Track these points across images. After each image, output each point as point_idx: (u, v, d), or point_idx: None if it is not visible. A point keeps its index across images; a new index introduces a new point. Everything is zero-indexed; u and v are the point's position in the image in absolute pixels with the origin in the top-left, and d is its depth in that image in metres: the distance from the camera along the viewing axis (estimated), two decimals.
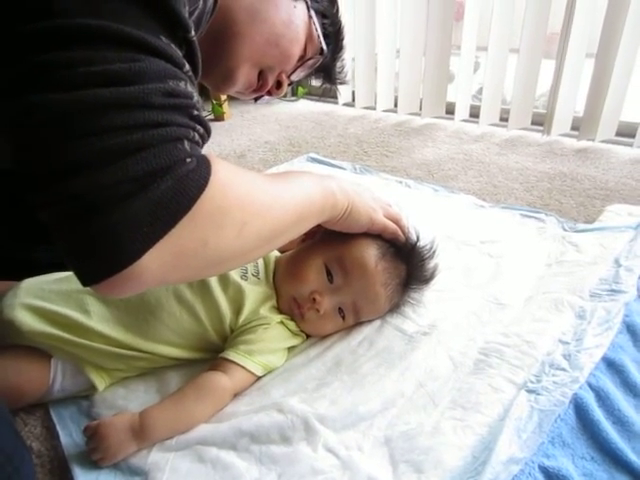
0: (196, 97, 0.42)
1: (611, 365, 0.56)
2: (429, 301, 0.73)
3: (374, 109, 1.87)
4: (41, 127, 0.34)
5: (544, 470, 0.45)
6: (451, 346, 0.65)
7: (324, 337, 0.68)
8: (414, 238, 0.70)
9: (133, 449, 0.52)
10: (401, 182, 1.19)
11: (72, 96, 0.34)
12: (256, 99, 0.70)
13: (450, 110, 1.70)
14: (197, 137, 0.40)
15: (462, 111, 1.66)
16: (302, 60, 0.64)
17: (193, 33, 0.43)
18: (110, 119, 0.35)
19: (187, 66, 0.42)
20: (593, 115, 1.39)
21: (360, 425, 0.54)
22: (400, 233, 0.67)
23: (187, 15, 0.42)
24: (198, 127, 0.41)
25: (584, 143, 1.42)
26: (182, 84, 0.40)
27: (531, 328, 0.64)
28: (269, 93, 0.66)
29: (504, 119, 1.58)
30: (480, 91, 1.71)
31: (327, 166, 1.32)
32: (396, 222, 0.68)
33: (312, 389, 0.59)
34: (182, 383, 0.60)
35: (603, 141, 1.41)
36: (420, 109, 1.76)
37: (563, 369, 0.56)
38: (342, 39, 0.70)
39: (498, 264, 0.82)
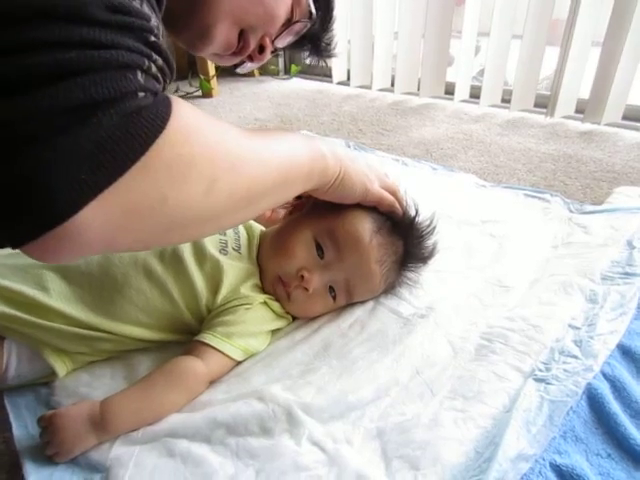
0: (154, 21, 0.34)
1: (627, 353, 0.51)
2: (427, 282, 0.68)
3: (370, 88, 1.80)
4: None
5: (556, 468, 0.39)
6: (450, 330, 0.59)
7: (312, 319, 0.62)
8: (412, 212, 0.64)
9: (92, 443, 0.46)
10: (398, 160, 1.13)
11: None
12: (236, 66, 0.62)
13: (449, 90, 1.63)
14: (154, 69, 0.33)
15: (462, 91, 1.59)
16: (288, 24, 0.57)
17: None
18: (34, 32, 0.28)
19: None
20: (599, 98, 1.33)
21: (350, 415, 0.48)
22: (397, 206, 0.61)
23: None
24: (155, 57, 0.33)
25: (589, 126, 1.36)
26: (136, 2, 0.33)
27: (538, 312, 0.59)
28: (250, 58, 0.58)
29: (506, 100, 1.52)
30: (481, 73, 1.64)
31: None
32: (393, 194, 0.62)
33: (297, 375, 0.53)
34: (153, 368, 0.54)
35: (609, 124, 1.35)
36: (418, 89, 1.69)
37: (575, 356, 0.50)
38: (332, 7, 0.63)
39: (501, 245, 0.77)
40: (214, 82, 1.73)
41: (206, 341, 0.53)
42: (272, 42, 0.57)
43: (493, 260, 0.73)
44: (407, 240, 0.62)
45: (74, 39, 0.28)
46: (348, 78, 1.86)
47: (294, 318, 0.62)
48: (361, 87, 1.82)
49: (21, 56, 0.27)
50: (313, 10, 0.57)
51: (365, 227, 0.59)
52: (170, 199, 0.33)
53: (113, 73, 0.30)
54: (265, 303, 0.58)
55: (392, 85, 1.75)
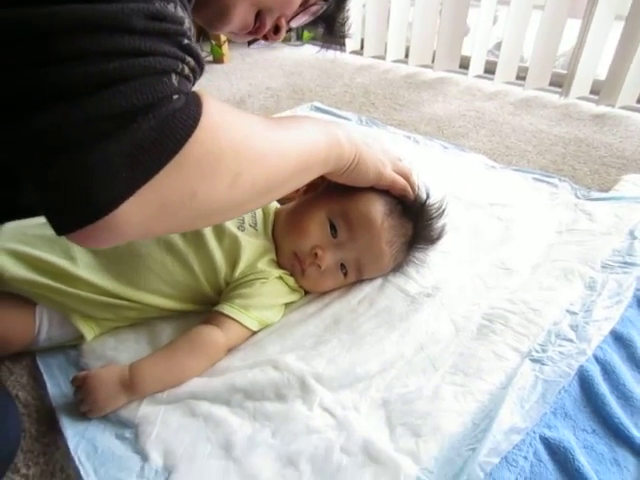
0: (187, 23, 0.36)
1: (619, 339, 0.55)
2: (433, 262, 0.71)
3: (383, 59, 1.77)
4: (2, 47, 0.29)
5: (545, 441, 0.44)
6: (454, 309, 0.62)
7: (323, 294, 0.66)
8: (423, 196, 0.66)
9: (122, 402, 0.50)
10: (409, 137, 1.14)
11: (40, 10, 0.29)
12: (250, 42, 0.63)
13: (464, 64, 1.61)
14: (187, 70, 0.35)
15: (477, 66, 1.57)
16: (304, 5, 0.57)
17: None
18: (81, 42, 0.30)
19: None
20: (616, 79, 1.32)
21: (357, 385, 0.52)
22: (409, 190, 0.64)
23: None
24: (188, 59, 0.35)
25: (602, 108, 1.36)
26: (171, 6, 0.34)
27: (538, 296, 0.62)
28: (265, 37, 0.59)
29: (521, 77, 1.50)
30: (497, 46, 1.62)
31: (332, 116, 1.26)
32: (405, 178, 0.64)
33: (309, 346, 0.57)
34: (174, 335, 0.58)
35: (623, 107, 1.34)
36: (432, 61, 1.66)
37: (570, 340, 0.54)
38: None
39: (507, 228, 0.79)
40: (225, 48, 1.71)
41: (225, 312, 0.56)
42: (287, 22, 0.58)
43: (498, 243, 0.76)
44: (417, 222, 0.65)
45: (117, 49, 0.31)
46: (362, 47, 1.83)
47: (306, 292, 0.66)
48: (375, 57, 1.80)
49: (69, 65, 0.30)
50: None
51: (377, 209, 0.61)
52: (199, 193, 0.36)
53: (151, 79, 0.32)
54: (280, 278, 0.61)
55: (406, 56, 1.73)
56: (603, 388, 0.48)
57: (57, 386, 0.53)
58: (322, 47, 0.65)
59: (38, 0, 0.29)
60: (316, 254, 0.60)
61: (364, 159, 0.57)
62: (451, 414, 0.47)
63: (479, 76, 1.59)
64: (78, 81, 0.30)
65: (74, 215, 0.32)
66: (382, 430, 0.47)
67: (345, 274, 0.63)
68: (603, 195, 0.88)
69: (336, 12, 0.61)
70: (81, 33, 0.30)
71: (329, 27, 0.63)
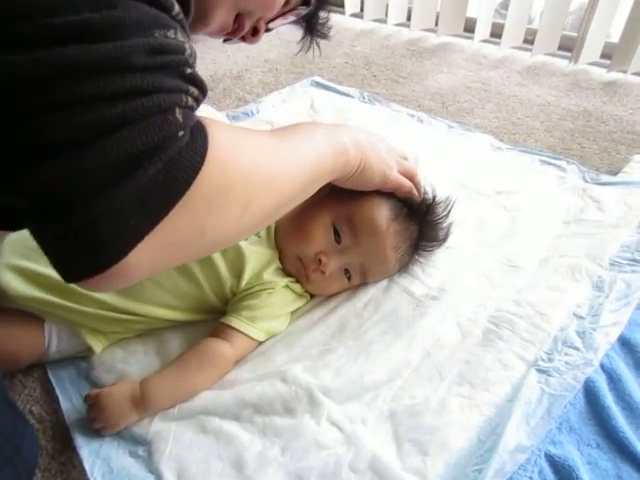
0: (188, 49, 0.34)
1: (626, 344, 0.55)
2: (439, 260, 0.70)
3: (385, 22, 1.68)
4: None
5: (550, 459, 0.45)
6: (460, 312, 0.62)
7: (329, 297, 0.65)
8: (429, 197, 0.64)
9: (135, 419, 0.51)
10: (413, 116, 1.10)
11: (27, 57, 0.27)
12: (225, 40, 0.61)
13: (469, 27, 1.53)
14: (191, 101, 0.33)
15: (483, 29, 1.49)
16: (286, 8, 0.55)
17: None
18: (80, 87, 0.28)
19: (177, 8, 0.34)
20: (630, 42, 1.25)
21: (365, 396, 0.53)
22: (415, 192, 0.62)
23: None
24: (192, 89, 0.34)
25: (613, 75, 1.30)
26: (171, 33, 0.32)
27: (545, 297, 0.62)
28: (242, 38, 0.56)
29: (528, 41, 1.43)
30: (504, 5, 1.53)
31: (333, 92, 1.21)
32: (411, 178, 0.63)
33: (316, 356, 0.58)
34: (182, 345, 0.59)
35: (635, 73, 1.28)
36: (436, 24, 1.58)
37: (576, 348, 0.54)
38: None
39: (513, 219, 0.78)
40: None
41: (232, 325, 0.56)
42: (266, 24, 0.56)
43: (505, 236, 0.75)
44: (422, 224, 0.63)
45: (118, 91, 0.29)
46: (361, 9, 1.74)
47: (312, 295, 0.66)
48: (375, 21, 1.71)
49: (68, 113, 0.28)
50: None
51: (382, 214, 0.60)
52: (209, 228, 0.35)
53: (155, 119, 0.30)
54: (287, 286, 0.61)
55: (408, 19, 1.64)
56: (609, 400, 0.49)
57: (69, 401, 0.54)
58: (301, 49, 0.63)
59: (22, 45, 0.27)
60: (320, 260, 0.59)
61: (370, 163, 0.55)
62: (457, 428, 0.48)
63: (485, 40, 1.52)
64: (79, 130, 0.28)
65: (82, 265, 0.31)
66: (390, 445, 0.48)
67: (349, 278, 0.63)
68: (612, 179, 0.85)
69: (317, 12, 0.59)
70: (78, 77, 0.28)
71: (310, 27, 0.61)
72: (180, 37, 0.34)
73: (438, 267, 0.69)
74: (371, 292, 0.66)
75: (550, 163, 0.91)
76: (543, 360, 0.54)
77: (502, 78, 1.30)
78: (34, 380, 0.57)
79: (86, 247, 0.30)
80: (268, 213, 0.41)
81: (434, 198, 0.64)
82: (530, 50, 1.40)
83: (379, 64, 1.39)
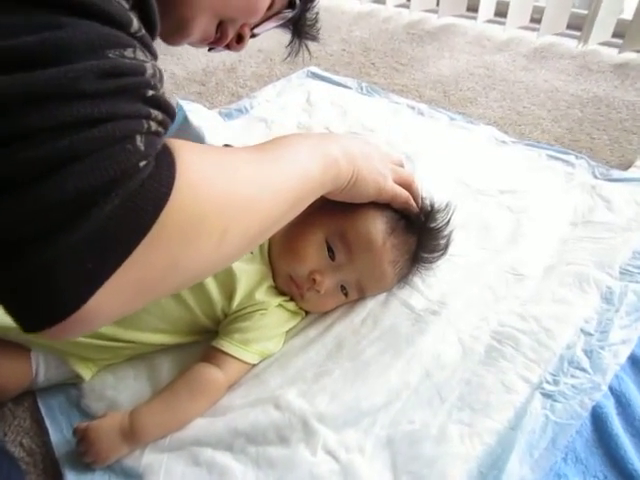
0: (151, 68, 0.31)
1: (636, 363, 0.52)
2: (440, 269, 0.67)
3: (383, 3, 1.62)
4: None
5: None
6: (461, 327, 0.60)
7: (325, 313, 0.63)
8: (428, 205, 0.61)
9: (125, 451, 0.49)
10: (413, 108, 1.05)
11: None
12: (210, 49, 0.57)
13: (473, 6, 1.46)
14: (154, 126, 0.30)
15: (487, 8, 1.42)
16: (270, 12, 0.51)
17: None
18: (21, 121, 0.25)
19: (136, 23, 0.31)
20: None
21: (362, 422, 0.51)
22: (412, 202, 0.59)
23: None
24: (155, 112, 0.30)
25: (626, 56, 1.23)
26: (129, 52, 0.29)
27: (551, 311, 0.59)
28: (227, 47, 0.54)
29: (535, 20, 1.36)
30: None
31: (330, 84, 1.16)
32: (408, 186, 0.59)
33: (311, 378, 0.55)
34: (173, 369, 0.57)
35: None
36: (437, 4, 1.51)
37: (583, 369, 0.51)
38: None
39: (518, 221, 0.74)
40: None
41: (224, 349, 0.54)
42: (251, 30, 0.53)
43: (509, 241, 0.71)
44: (421, 235, 0.60)
45: (66, 121, 0.26)
46: None
47: (307, 312, 0.63)
48: (374, 2, 1.64)
49: (10, 150, 0.25)
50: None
51: (378, 229, 0.57)
52: (181, 262, 0.32)
53: (111, 150, 0.27)
54: (280, 305, 0.59)
55: (408, 0, 1.57)
56: (617, 426, 0.46)
57: (60, 432, 0.53)
58: (289, 55, 0.59)
59: None
60: (314, 280, 0.57)
61: (363, 175, 0.52)
62: (457, 460, 0.46)
63: (489, 21, 1.45)
64: (22, 168, 0.25)
65: (40, 315, 0.28)
66: (387, 478, 0.47)
67: (346, 294, 0.60)
68: (623, 175, 0.81)
69: (304, 14, 0.55)
70: (19, 108, 0.25)
71: (297, 30, 0.57)
72: (140, 56, 0.30)
73: (439, 277, 0.66)
74: (369, 306, 0.63)
75: (557, 158, 0.87)
76: (548, 382, 0.51)
77: (507, 62, 1.24)
78: (24, 410, 0.56)
79: (39, 297, 0.27)
80: (252, 237, 0.38)
81: (433, 206, 0.61)
82: (537, 30, 1.33)
83: (378, 50, 1.34)
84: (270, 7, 0.51)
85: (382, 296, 0.64)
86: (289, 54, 0.60)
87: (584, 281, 0.62)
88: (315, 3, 0.57)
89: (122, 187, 0.27)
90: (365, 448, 0.49)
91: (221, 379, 0.53)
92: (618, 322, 0.55)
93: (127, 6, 0.30)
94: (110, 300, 0.29)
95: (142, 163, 0.28)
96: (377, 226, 0.57)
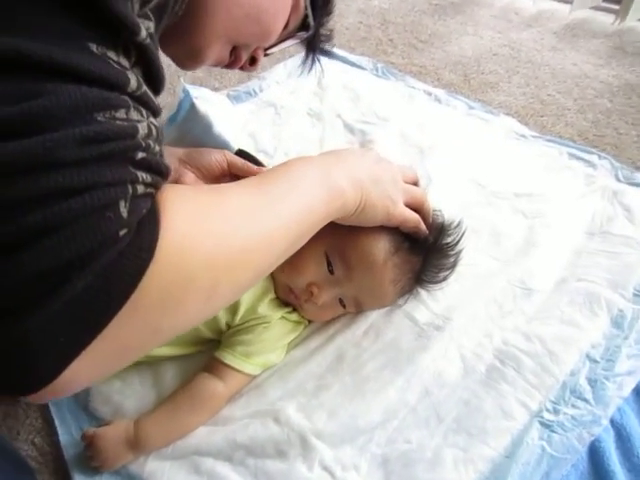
0: (145, 128, 0.30)
1: None
2: (447, 280, 0.66)
3: None
4: None
5: None
6: (464, 343, 0.59)
7: (327, 322, 0.63)
8: (437, 225, 0.59)
9: (130, 458, 0.51)
10: (430, 94, 1.00)
11: None
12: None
13: None
14: (142, 189, 0.29)
15: None
16: (284, 31, 0.49)
17: (144, 34, 0.29)
18: None
19: (134, 82, 0.29)
20: None
21: (358, 439, 0.52)
22: (421, 226, 0.56)
23: (133, 10, 0.28)
24: (144, 176, 0.29)
25: None
26: (121, 113, 0.28)
27: (557, 332, 0.58)
28: (241, 68, 0.53)
29: None
30: None
31: (344, 64, 1.11)
32: (419, 207, 0.57)
33: (311, 392, 0.56)
34: (178, 376, 0.58)
35: None
36: None
37: (585, 400, 0.51)
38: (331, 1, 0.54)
39: (532, 228, 0.72)
40: None
41: (226, 361, 0.55)
42: (265, 50, 0.53)
43: (520, 250, 0.69)
44: (427, 256, 0.59)
45: (41, 193, 0.25)
46: None
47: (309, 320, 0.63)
48: None
49: None
50: (311, 21, 0.49)
51: (379, 248, 0.55)
52: (165, 325, 0.32)
53: (87, 222, 0.26)
54: (283, 317, 0.59)
55: None
56: (614, 462, 0.46)
57: (69, 434, 0.55)
58: (302, 71, 0.57)
59: None
60: (312, 292, 0.56)
61: (371, 201, 0.50)
62: None
63: None
64: None
65: (14, 385, 0.28)
66: None
67: (344, 306, 0.60)
68: None
69: (318, 32, 0.53)
70: None
71: (311, 47, 0.55)
72: (134, 116, 0.29)
73: (445, 288, 0.65)
74: (372, 317, 0.63)
75: (579, 157, 0.82)
76: (548, 411, 0.51)
77: (534, 40, 1.17)
78: (36, 410, 0.58)
79: (12, 369, 0.27)
80: (245, 286, 0.38)
81: (443, 226, 0.59)
82: (570, 3, 1.24)
83: (397, 24, 1.26)
84: (285, 27, 0.49)
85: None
86: (302, 71, 0.58)
87: (595, 302, 0.60)
88: (329, 19, 0.54)
89: (97, 260, 0.26)
90: (360, 466, 0.51)
91: (222, 392, 0.54)
92: (626, 350, 0.54)
93: (128, 64, 0.29)
94: (87, 368, 0.29)
95: (122, 232, 0.27)
96: (379, 246, 0.55)
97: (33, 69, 0.25)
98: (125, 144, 0.28)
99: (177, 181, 0.63)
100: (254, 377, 0.58)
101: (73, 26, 0.26)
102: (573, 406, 0.50)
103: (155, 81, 0.32)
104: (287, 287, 0.58)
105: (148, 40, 0.30)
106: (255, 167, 0.65)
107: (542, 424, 0.50)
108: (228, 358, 0.55)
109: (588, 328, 0.57)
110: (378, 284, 0.56)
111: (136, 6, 0.29)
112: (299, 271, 0.57)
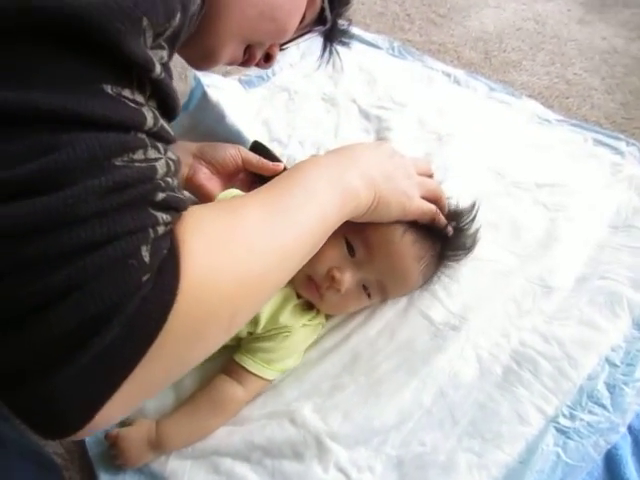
0: (164, 166, 0.30)
1: None
2: (463, 275, 0.65)
3: None
4: None
5: None
6: (481, 343, 0.59)
7: (342, 321, 0.63)
8: (453, 213, 0.59)
9: (152, 457, 0.53)
10: (449, 75, 0.96)
11: None
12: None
13: None
14: (162, 230, 0.29)
15: None
16: (300, 25, 0.47)
17: (158, 70, 0.29)
18: (16, 253, 0.24)
19: (150, 119, 0.29)
20: None
21: (373, 441, 0.53)
22: (439, 217, 0.56)
23: (146, 45, 0.28)
24: (164, 217, 0.29)
25: None
26: (139, 154, 0.28)
27: (577, 335, 0.57)
28: (256, 65, 0.53)
29: None
30: None
31: (360, 43, 1.07)
32: (436, 199, 0.57)
33: (326, 392, 0.57)
34: (197, 379, 0.58)
35: None
36: None
37: (603, 406, 0.50)
38: None
39: (554, 221, 0.70)
40: None
41: (248, 367, 0.55)
42: (280, 46, 0.52)
43: (541, 245, 0.67)
44: (444, 244, 0.59)
45: (63, 250, 0.25)
46: None
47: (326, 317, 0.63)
48: None
49: (8, 283, 0.25)
50: (328, 15, 0.47)
51: (399, 225, 0.55)
52: (188, 359, 0.33)
53: (111, 274, 0.26)
54: (304, 325, 0.59)
55: None
56: (630, 471, 0.46)
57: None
58: (321, 64, 0.55)
59: None
60: (333, 277, 0.55)
61: (386, 199, 0.49)
62: None
63: None
64: (21, 303, 0.25)
65: (47, 431, 0.30)
66: None
67: (369, 295, 0.59)
68: None
69: (336, 24, 0.50)
70: (15, 241, 0.24)
71: (329, 38, 0.52)
72: (152, 154, 0.29)
73: (462, 284, 0.64)
74: (387, 315, 0.63)
75: (605, 144, 0.79)
76: (564, 416, 0.50)
77: (561, 12, 1.10)
78: None
79: (44, 419, 0.28)
80: (261, 305, 0.39)
81: (457, 212, 0.60)
82: None
83: None
84: (301, 21, 0.48)
85: (401, 305, 0.63)
86: (320, 64, 0.56)
87: (616, 302, 0.58)
88: (347, 8, 0.52)
89: (123, 312, 0.26)
90: (375, 467, 0.52)
91: (242, 396, 0.55)
92: None
93: (143, 99, 0.29)
94: (116, 408, 0.29)
95: (145, 277, 0.27)
96: (398, 224, 0.55)
97: (49, 121, 0.25)
98: (145, 188, 0.28)
99: (191, 177, 0.63)
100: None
101: (86, 68, 0.26)
102: (590, 412, 0.50)
103: (170, 111, 0.32)
104: (307, 277, 0.56)
105: (162, 75, 0.29)
106: (270, 164, 0.64)
107: (558, 430, 0.50)
108: (249, 363, 0.56)
109: (608, 330, 0.56)
110: (399, 262, 0.55)
111: (149, 40, 0.28)
112: (318, 257, 0.54)
